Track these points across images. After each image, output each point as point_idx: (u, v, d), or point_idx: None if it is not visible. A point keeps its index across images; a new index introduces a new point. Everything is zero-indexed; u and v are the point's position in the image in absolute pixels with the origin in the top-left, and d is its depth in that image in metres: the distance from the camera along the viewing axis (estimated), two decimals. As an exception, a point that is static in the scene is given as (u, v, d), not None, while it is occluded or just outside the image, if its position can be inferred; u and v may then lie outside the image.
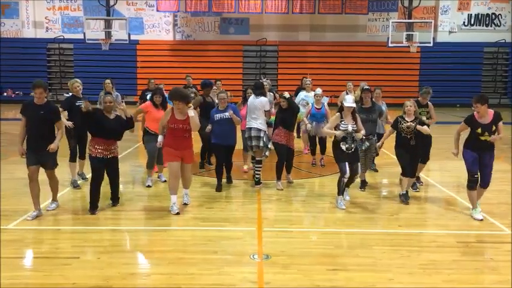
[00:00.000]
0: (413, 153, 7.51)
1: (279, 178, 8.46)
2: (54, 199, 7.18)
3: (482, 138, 6.77)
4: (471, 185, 6.86)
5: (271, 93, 10.49)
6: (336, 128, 7.29)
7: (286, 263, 5.32)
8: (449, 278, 5.03)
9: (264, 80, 10.87)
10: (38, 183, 6.71)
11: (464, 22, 25.70)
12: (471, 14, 25.66)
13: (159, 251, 5.73)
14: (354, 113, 7.35)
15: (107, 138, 7.00)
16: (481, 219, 6.83)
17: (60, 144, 6.88)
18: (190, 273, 5.08)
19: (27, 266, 5.45)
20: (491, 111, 6.81)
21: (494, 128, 6.75)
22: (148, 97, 9.62)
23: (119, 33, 22.06)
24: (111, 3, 22.16)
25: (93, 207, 7.01)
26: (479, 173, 6.86)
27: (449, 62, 24.40)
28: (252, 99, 8.58)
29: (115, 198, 7.39)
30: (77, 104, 8.01)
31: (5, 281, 4.83)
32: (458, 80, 24.07)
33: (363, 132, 7.31)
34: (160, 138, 7.18)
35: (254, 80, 19.50)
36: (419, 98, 8.25)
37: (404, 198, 7.58)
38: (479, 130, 6.75)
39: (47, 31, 25.81)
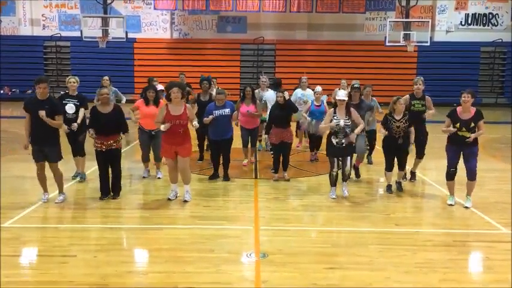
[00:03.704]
0: (400, 151, 7.75)
1: (276, 171, 8.76)
2: (61, 191, 7.34)
3: (460, 133, 6.98)
4: (448, 177, 7.32)
5: (269, 89, 10.55)
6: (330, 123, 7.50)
7: (283, 262, 5.33)
8: (446, 277, 5.05)
9: (264, 77, 10.92)
10: (44, 173, 7.17)
11: (461, 21, 25.71)
12: (468, 14, 25.67)
13: (156, 249, 5.73)
14: (349, 108, 7.45)
15: (106, 134, 7.18)
16: (451, 205, 7.32)
17: (62, 141, 7.15)
18: (187, 271, 5.08)
19: (24, 264, 5.43)
20: (473, 109, 7.04)
21: (472, 124, 6.95)
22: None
23: (116, 31, 21.96)
24: (108, 1, 22.08)
25: (102, 194, 7.44)
26: (465, 167, 7.16)
27: (446, 61, 24.39)
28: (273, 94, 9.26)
29: (115, 190, 7.50)
30: (63, 102, 8.14)
31: (2, 279, 4.83)
32: (455, 79, 24.03)
33: (362, 125, 7.51)
34: (162, 126, 7.04)
35: (251, 79, 19.42)
36: (414, 91, 8.35)
37: (389, 189, 7.96)
38: (457, 125, 6.99)
39: (43, 29, 25.68)
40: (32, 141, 6.98)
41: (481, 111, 7.07)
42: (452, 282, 4.96)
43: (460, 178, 7.35)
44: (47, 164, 7.09)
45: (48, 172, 7.20)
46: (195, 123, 7.20)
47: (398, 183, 8.08)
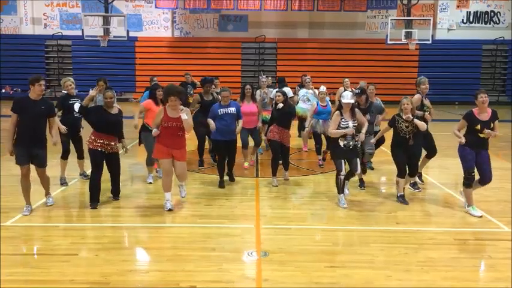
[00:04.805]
0: (411, 153, 7.38)
1: (274, 175, 8.45)
2: (48, 193, 7.15)
3: (481, 135, 6.76)
4: (468, 182, 6.87)
5: (270, 89, 10.52)
6: (338, 126, 7.18)
7: (284, 260, 5.32)
8: (447, 276, 5.04)
9: (263, 76, 10.90)
10: (29, 179, 6.79)
11: (463, 19, 25.70)
12: (470, 12, 25.66)
13: (157, 248, 5.73)
14: (353, 108, 7.25)
15: (109, 132, 7.07)
16: (480, 216, 6.86)
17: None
18: (188, 270, 5.08)
19: (25, 263, 5.42)
20: (489, 109, 6.84)
21: (492, 125, 6.79)
22: (144, 94, 9.69)
23: (118, 29, 22.00)
24: (110, -1, 22.11)
25: (94, 200, 7.08)
26: (479, 170, 6.86)
27: (448, 59, 24.40)
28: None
29: (116, 193, 7.46)
30: (69, 102, 8.12)
31: (3, 277, 4.83)
32: (457, 77, 24.06)
33: (366, 125, 7.32)
34: (154, 130, 7.00)
35: (253, 77, 19.36)
36: (422, 90, 8.00)
37: (403, 200, 7.47)
38: (478, 127, 6.73)
39: (45, 28, 25.74)
40: (18, 144, 6.57)
41: (496, 111, 6.88)
42: (454, 280, 4.95)
43: (457, 177, 7.22)
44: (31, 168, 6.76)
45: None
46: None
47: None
